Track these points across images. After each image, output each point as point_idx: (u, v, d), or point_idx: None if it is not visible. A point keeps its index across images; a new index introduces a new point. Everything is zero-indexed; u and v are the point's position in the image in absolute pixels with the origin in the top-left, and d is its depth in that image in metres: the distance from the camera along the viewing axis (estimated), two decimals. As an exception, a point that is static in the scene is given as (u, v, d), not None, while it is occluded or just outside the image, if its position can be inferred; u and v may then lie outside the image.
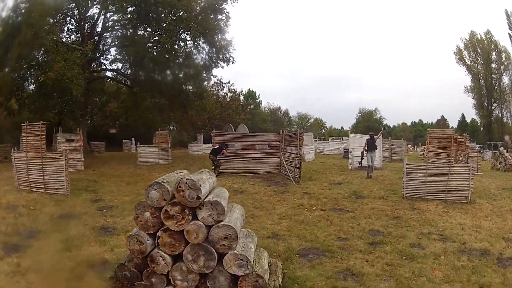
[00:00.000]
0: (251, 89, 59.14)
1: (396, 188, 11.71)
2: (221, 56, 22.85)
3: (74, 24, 21.27)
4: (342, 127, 70.65)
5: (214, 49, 22.37)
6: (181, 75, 22.88)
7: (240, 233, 4.19)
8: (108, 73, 25.45)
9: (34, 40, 16.02)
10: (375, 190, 11.74)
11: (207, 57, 23.07)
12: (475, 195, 10.51)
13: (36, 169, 11.04)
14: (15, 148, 12.28)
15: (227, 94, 43.63)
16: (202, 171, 4.57)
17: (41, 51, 16.81)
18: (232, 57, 23.25)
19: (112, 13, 20.84)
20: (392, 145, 25.75)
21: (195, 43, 22.04)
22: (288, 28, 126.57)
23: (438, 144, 14.12)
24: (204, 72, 22.92)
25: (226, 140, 16.17)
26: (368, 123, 57.96)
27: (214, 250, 3.87)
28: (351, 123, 66.95)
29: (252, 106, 58.10)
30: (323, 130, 68.99)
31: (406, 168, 10.57)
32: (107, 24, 21.67)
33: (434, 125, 61.97)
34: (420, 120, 71.77)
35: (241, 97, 53.08)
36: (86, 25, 21.29)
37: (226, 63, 23.23)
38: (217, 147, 15.49)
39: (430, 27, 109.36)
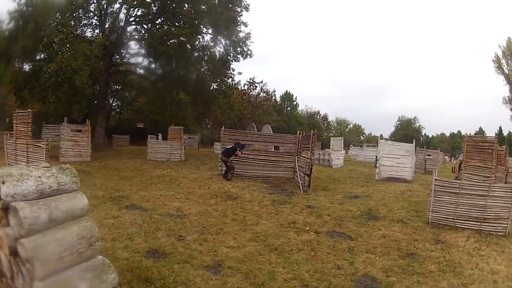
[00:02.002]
0: (288, 91, 57.16)
1: (422, 209, 9.47)
2: (238, 49, 21.76)
3: (96, 19, 21.30)
4: (381, 135, 67.00)
5: (230, 42, 21.35)
6: (202, 69, 21.95)
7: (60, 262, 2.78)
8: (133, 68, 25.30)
9: (38, 32, 16.08)
10: (395, 210, 9.58)
11: (224, 51, 22.13)
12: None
13: (22, 156, 10.58)
14: (8, 134, 12.01)
15: (259, 94, 42.25)
16: (49, 168, 3.10)
17: (47, 44, 16.79)
18: (250, 50, 22.17)
19: (132, 8, 20.59)
20: (428, 155, 23.01)
21: (213, 37, 21.22)
22: (333, 36, 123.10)
23: (477, 155, 11.16)
24: (223, 66, 21.69)
25: (236, 139, 14.59)
26: (407, 132, 55.92)
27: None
28: (390, 131, 65.48)
29: (288, 108, 56.31)
30: (361, 136, 65.69)
31: (435, 185, 8.29)
32: (130, 19, 21.44)
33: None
34: (459, 131, 66.35)
35: (277, 98, 51.74)
36: (108, 19, 21.18)
37: (243, 57, 22.11)
38: (230, 147, 13.90)
39: (475, 35, 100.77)
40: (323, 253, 6.16)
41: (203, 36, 21.01)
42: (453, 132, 67.76)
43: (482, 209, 7.73)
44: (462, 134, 62.56)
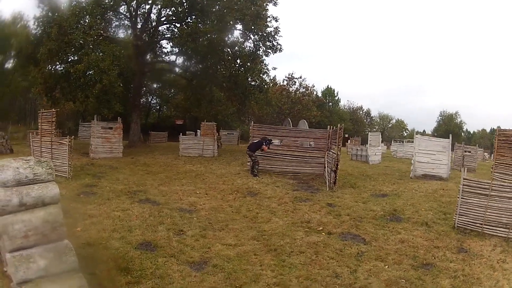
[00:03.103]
0: (329, 86, 55.42)
1: (452, 211, 8.53)
2: (268, 44, 21.30)
3: (127, 21, 22.01)
4: (424, 130, 63.78)
5: (259, 37, 20.99)
6: (233, 65, 21.92)
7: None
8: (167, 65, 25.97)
9: (62, 36, 16.88)
10: (422, 211, 8.80)
11: (253, 46, 21.76)
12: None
13: (47, 152, 11.16)
14: (34, 132, 12.78)
15: (299, 90, 41.39)
16: (27, 160, 3.61)
17: (73, 47, 17.63)
18: (279, 44, 21.58)
19: (162, 8, 21.00)
20: (466, 151, 20.95)
21: (242, 32, 21.02)
22: (376, 34, 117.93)
23: (509, 152, 9.50)
24: (253, 61, 21.44)
25: (265, 134, 14.24)
26: (448, 127, 52.68)
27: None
28: (433, 126, 62.33)
29: (330, 104, 54.74)
30: (404, 132, 62.30)
31: (464, 185, 7.38)
32: (161, 19, 21.91)
33: None
34: (498, 127, 59.97)
35: (318, 93, 50.54)
36: (140, 20, 21.83)
37: (273, 51, 21.56)
38: (256, 141, 13.61)
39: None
40: (325, 258, 5.67)
41: (232, 32, 21.03)
42: (493, 128, 62.62)
43: None
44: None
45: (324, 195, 10.32)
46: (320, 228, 7.15)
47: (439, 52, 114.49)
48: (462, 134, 57.46)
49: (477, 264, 5.80)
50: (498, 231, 6.98)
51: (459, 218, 7.46)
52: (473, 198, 7.32)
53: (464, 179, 7.41)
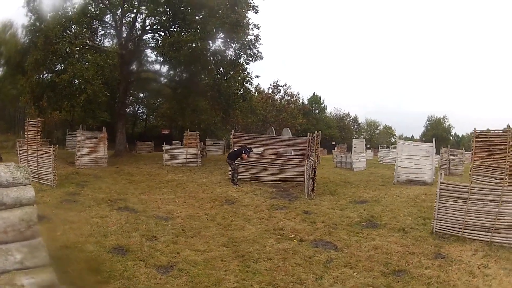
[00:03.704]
0: (315, 93, 56.33)
1: (431, 216, 8.44)
2: (249, 52, 21.88)
3: (113, 30, 22.33)
4: (412, 136, 64.75)
5: (240, 45, 21.49)
6: (215, 74, 22.26)
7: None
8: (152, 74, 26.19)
9: (48, 46, 17.13)
10: (400, 216, 8.77)
11: (234, 54, 22.25)
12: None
13: (33, 161, 11.30)
14: (21, 142, 12.90)
15: (284, 97, 42.00)
16: (8, 165, 3.85)
17: (60, 56, 17.86)
18: (260, 52, 22.30)
19: (146, 17, 21.43)
20: (452, 155, 21.24)
21: (223, 41, 21.53)
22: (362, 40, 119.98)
23: (488, 153, 9.37)
24: (234, 69, 21.87)
25: (246, 143, 14.48)
26: (436, 132, 53.58)
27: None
28: (421, 131, 62.99)
29: (316, 111, 55.53)
30: (392, 138, 63.41)
31: (441, 189, 7.27)
32: (146, 28, 22.27)
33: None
34: (487, 129, 61.73)
35: (305, 101, 51.35)
36: (125, 29, 22.06)
37: (254, 59, 22.21)
38: (235, 149, 13.80)
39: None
40: (292, 264, 5.74)
41: (214, 40, 21.42)
42: (496, 131, 64.06)
43: (494, 217, 6.60)
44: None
45: (301, 203, 10.43)
46: (293, 235, 7.24)
47: (427, 56, 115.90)
48: (451, 138, 58.40)
49: (454, 270, 5.61)
50: (479, 235, 6.79)
51: (437, 223, 7.32)
52: (451, 202, 7.18)
53: (441, 183, 7.34)
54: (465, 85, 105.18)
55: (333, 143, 47.60)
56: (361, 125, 64.32)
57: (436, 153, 26.68)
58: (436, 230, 7.29)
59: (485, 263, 5.85)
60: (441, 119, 60.44)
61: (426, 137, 49.59)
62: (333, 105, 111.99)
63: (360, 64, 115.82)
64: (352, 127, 61.68)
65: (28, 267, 3.62)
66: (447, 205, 7.20)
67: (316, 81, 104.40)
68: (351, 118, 62.70)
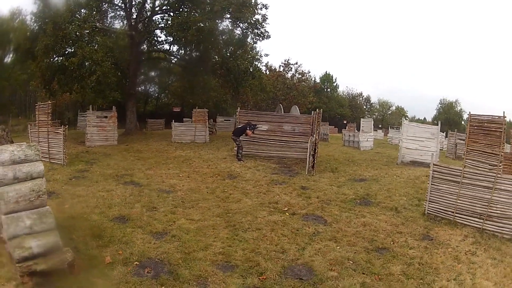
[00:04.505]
0: (327, 72, 55.41)
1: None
2: (256, 31, 21.66)
3: (123, 11, 22.35)
4: (425, 118, 63.50)
5: (247, 25, 21.29)
6: (223, 52, 22.32)
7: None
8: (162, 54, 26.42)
9: (57, 31, 17.39)
10: (396, 196, 8.88)
11: (241, 33, 22.07)
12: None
13: (44, 142, 11.82)
14: (32, 124, 13.48)
15: (294, 75, 41.63)
16: (20, 144, 4.65)
17: (70, 39, 18.10)
18: (267, 31, 21.94)
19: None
20: (460, 139, 20.75)
21: (231, 21, 21.32)
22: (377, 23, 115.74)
23: (483, 138, 9.06)
24: (241, 48, 21.90)
25: (251, 120, 14.74)
26: (448, 116, 52.49)
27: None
28: (433, 114, 61.39)
29: (328, 90, 54.82)
30: (404, 119, 62.25)
31: (434, 171, 7.29)
32: (156, 8, 22.25)
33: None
34: (469, 113, 60.40)
35: (317, 79, 50.76)
36: (135, 10, 22.09)
37: (261, 39, 21.99)
38: (240, 126, 13.96)
39: None
40: (278, 235, 6.09)
41: (221, 20, 21.24)
42: (494, 116, 62.46)
43: (487, 204, 6.51)
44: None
45: (301, 179, 10.68)
46: (286, 209, 7.57)
47: (443, 42, 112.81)
48: (462, 122, 57.16)
49: (440, 254, 5.58)
50: (471, 221, 6.73)
51: (430, 205, 7.32)
52: (443, 185, 7.15)
53: (434, 165, 7.33)
54: (479, 73, 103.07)
55: (345, 122, 47.25)
56: (373, 105, 63.26)
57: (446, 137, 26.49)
58: (428, 212, 7.34)
59: (473, 250, 5.80)
60: (453, 103, 59.22)
61: (437, 121, 48.93)
62: (346, 84, 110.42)
63: (375, 44, 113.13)
64: (364, 107, 60.74)
65: (36, 232, 4.26)
66: (440, 187, 7.22)
67: (330, 60, 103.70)
68: (363, 97, 61.72)
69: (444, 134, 28.50)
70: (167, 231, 5.96)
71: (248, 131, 13.52)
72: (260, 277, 4.64)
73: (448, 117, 51.89)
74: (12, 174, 4.34)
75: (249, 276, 4.65)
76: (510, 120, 55.93)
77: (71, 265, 4.21)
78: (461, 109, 58.20)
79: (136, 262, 4.80)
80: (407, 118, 58.36)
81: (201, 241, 5.59)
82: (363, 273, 4.89)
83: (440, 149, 21.12)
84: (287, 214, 7.32)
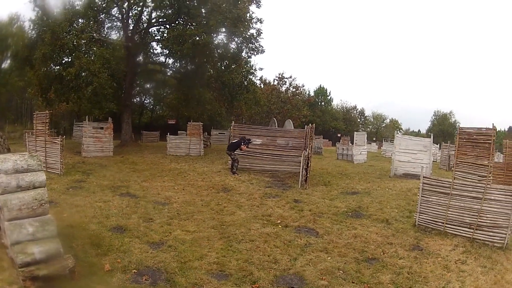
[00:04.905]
0: (322, 86, 56.38)
1: None
2: (251, 45, 22.36)
3: (119, 22, 22.75)
4: (419, 130, 64.99)
5: (242, 39, 21.92)
6: (218, 66, 22.76)
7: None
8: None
9: (55, 41, 17.82)
10: (387, 208, 9.13)
11: (236, 48, 22.71)
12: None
13: (41, 151, 11.95)
14: (29, 133, 13.60)
15: (289, 89, 42.32)
16: (23, 154, 4.86)
17: (67, 49, 18.46)
18: (261, 46, 22.71)
19: (151, 10, 21.99)
20: (453, 150, 21.29)
21: (226, 35, 21.93)
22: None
23: (471, 150, 9.82)
24: (236, 63, 22.46)
25: (245, 134, 15.00)
26: (442, 127, 53.49)
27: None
28: (427, 126, 62.80)
29: (322, 103, 55.62)
30: (398, 132, 63.15)
31: (424, 183, 7.56)
32: (152, 20, 22.76)
33: (505, 133, 54.18)
34: (459, 126, 61.78)
35: (311, 93, 51.62)
36: (132, 22, 22.54)
37: (256, 53, 22.71)
38: (235, 141, 14.13)
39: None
40: (271, 246, 6.27)
41: (217, 34, 21.76)
42: (480, 128, 63.68)
43: (476, 214, 6.72)
44: (498, 130, 58.71)
45: (294, 192, 10.92)
46: (278, 221, 7.75)
47: (437, 54, 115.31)
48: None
49: (429, 263, 5.70)
50: (461, 231, 6.88)
51: (420, 216, 7.51)
52: (433, 197, 7.35)
53: (424, 177, 7.57)
54: (472, 86, 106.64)
55: (339, 135, 47.77)
56: (367, 118, 64.17)
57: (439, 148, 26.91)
58: (419, 223, 7.52)
59: (463, 259, 5.92)
60: (447, 115, 60.22)
61: (432, 132, 49.80)
62: (340, 97, 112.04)
63: (369, 58, 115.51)
64: (359, 120, 61.60)
65: (39, 238, 4.43)
66: (430, 199, 7.44)
67: (324, 73, 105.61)
68: (357, 110, 62.67)
69: (438, 146, 28.95)
70: (163, 241, 6.14)
71: (242, 146, 13.73)
72: (253, 285, 4.84)
73: (442, 129, 52.86)
74: (15, 182, 4.52)
75: (243, 284, 4.85)
76: (505, 130, 57.42)
77: (72, 271, 4.36)
78: (455, 120, 59.43)
79: (134, 270, 4.98)
80: (401, 130, 59.36)
81: (197, 251, 5.78)
82: (352, 282, 5.07)
83: (433, 161, 21.60)
84: (279, 226, 7.50)
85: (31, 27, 20.65)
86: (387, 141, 35.62)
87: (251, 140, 14.30)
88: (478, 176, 9.06)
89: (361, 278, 5.18)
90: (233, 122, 16.43)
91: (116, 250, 5.54)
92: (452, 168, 10.92)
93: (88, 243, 5.61)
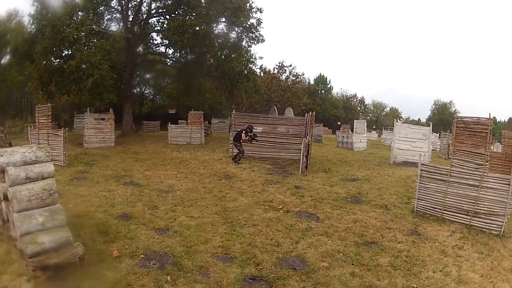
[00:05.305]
0: (322, 74, 56.03)
1: None
2: (251, 35, 22.25)
3: (119, 14, 22.63)
4: (419, 119, 64.56)
5: (242, 28, 21.77)
6: (218, 55, 22.72)
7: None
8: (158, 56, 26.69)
9: (56, 35, 17.76)
10: (386, 195, 9.27)
11: (236, 37, 22.63)
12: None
13: (44, 144, 12.04)
14: (31, 126, 13.71)
15: (289, 78, 42.17)
16: (31, 146, 5.03)
17: (67, 42, 18.36)
18: (261, 35, 22.59)
19: (150, 1, 22.00)
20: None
21: (226, 25, 21.80)
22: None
23: (468, 139, 9.36)
24: (236, 52, 22.39)
25: (246, 122, 15.01)
26: (442, 116, 53.03)
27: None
28: (427, 115, 62.37)
29: (322, 92, 55.41)
30: (398, 120, 63.06)
31: (422, 170, 7.68)
32: (152, 11, 22.59)
33: (506, 123, 54.08)
34: (494, 117, 61.23)
35: (311, 81, 51.44)
36: (131, 13, 22.35)
37: (256, 42, 22.62)
38: (239, 131, 13.92)
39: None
40: (273, 230, 6.46)
41: (217, 24, 21.67)
42: (478, 118, 63.58)
43: (473, 201, 6.84)
44: (498, 120, 58.54)
45: (294, 179, 11.05)
46: (280, 207, 7.93)
47: (438, 42, 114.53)
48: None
49: (427, 247, 5.82)
50: (459, 218, 7.00)
51: (418, 203, 7.65)
52: (431, 183, 7.47)
53: (422, 164, 7.70)
54: (473, 75, 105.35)
55: (339, 123, 47.79)
56: (367, 106, 63.90)
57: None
58: (417, 209, 7.67)
59: (460, 244, 6.05)
60: (447, 104, 59.89)
61: (432, 121, 49.79)
62: (340, 86, 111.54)
63: (370, 46, 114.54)
64: (359, 108, 61.43)
65: (48, 228, 4.59)
66: (428, 185, 7.58)
67: (324, 62, 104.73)
68: (357, 99, 62.39)
69: (438, 135, 29.02)
70: (169, 227, 6.32)
71: (243, 134, 13.57)
72: (257, 267, 5.02)
73: (442, 118, 52.56)
74: (24, 174, 4.64)
75: (247, 266, 5.04)
76: (505, 121, 57.22)
77: (81, 259, 4.50)
78: (455, 110, 58.92)
79: (142, 255, 5.15)
80: (401, 119, 59.19)
81: (201, 236, 5.97)
82: (352, 264, 5.25)
83: (433, 150, 21.72)
84: (281, 211, 7.67)
85: (31, 22, 20.55)
86: (387, 130, 35.71)
87: (256, 135, 14.02)
88: (475, 164, 9.29)
89: (360, 261, 5.34)
90: (234, 110, 16.48)
91: (123, 237, 5.71)
92: (449, 156, 11.11)
93: (95, 231, 5.78)
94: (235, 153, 13.84)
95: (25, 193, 4.56)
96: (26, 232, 4.44)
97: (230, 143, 15.10)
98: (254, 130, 14.28)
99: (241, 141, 13.58)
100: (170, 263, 4.97)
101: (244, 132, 13.62)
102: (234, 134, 14.31)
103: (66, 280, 4.20)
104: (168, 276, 4.60)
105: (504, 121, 58.58)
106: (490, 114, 9.00)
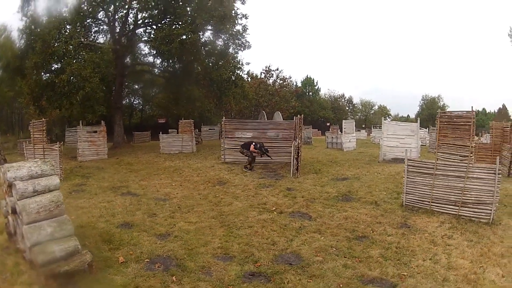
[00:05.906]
0: (308, 76, 56.96)
1: None
2: (237, 42, 22.76)
3: (106, 26, 22.85)
4: (408, 115, 66.05)
5: (229, 36, 22.27)
6: (205, 63, 23.09)
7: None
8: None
9: (46, 49, 17.96)
10: (376, 191, 9.64)
11: (223, 44, 23.09)
12: (504, 211, 7.51)
13: (40, 158, 12.17)
14: (27, 141, 13.82)
15: (276, 82, 42.77)
16: (36, 160, 5.35)
17: (56, 56, 18.57)
18: (248, 42, 23.16)
19: (137, 11, 22.03)
20: None
21: (213, 33, 22.28)
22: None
23: (452, 132, 9.88)
24: (223, 59, 22.82)
25: (236, 128, 15.52)
26: (431, 111, 53.34)
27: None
28: (416, 110, 63.79)
29: (310, 94, 56.24)
30: (387, 118, 64.17)
31: (408, 165, 7.94)
32: (138, 22, 22.81)
33: (495, 114, 54.97)
34: (483, 109, 63.54)
35: (298, 84, 52.20)
36: (118, 24, 22.54)
37: (242, 49, 23.18)
38: (248, 142, 14.24)
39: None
40: (268, 230, 6.83)
41: (203, 33, 22.10)
42: (478, 110, 64.49)
43: (460, 192, 7.10)
44: (487, 112, 59.77)
45: (286, 181, 11.43)
46: (273, 209, 8.28)
47: (423, 38, 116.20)
48: (446, 117, 58.86)
49: (416, 238, 6.08)
50: (447, 209, 7.23)
51: (406, 197, 7.91)
52: (418, 178, 7.73)
53: (408, 160, 7.96)
54: (460, 68, 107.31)
55: (328, 124, 48.51)
56: (356, 105, 64.94)
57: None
58: (406, 203, 7.96)
59: (449, 234, 6.29)
60: (436, 99, 60.84)
61: (421, 117, 50.32)
62: (328, 87, 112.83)
63: (354, 45, 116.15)
64: (347, 108, 62.41)
65: (57, 238, 4.86)
66: (415, 180, 7.87)
67: (310, 64, 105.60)
68: (345, 99, 63.44)
69: (427, 130, 29.65)
70: (169, 232, 6.64)
71: (252, 146, 13.71)
72: (255, 264, 5.37)
73: (431, 113, 53.00)
74: (32, 187, 4.93)
75: (246, 264, 5.39)
76: (494, 112, 58.33)
77: (90, 266, 4.77)
78: (443, 104, 60.14)
79: (146, 260, 5.45)
80: (390, 116, 60.22)
81: (201, 239, 6.31)
82: (345, 257, 5.60)
83: (423, 145, 22.19)
84: (275, 213, 8.02)
85: (20, 37, 20.63)
86: (376, 128, 36.37)
87: (267, 149, 14.15)
88: (460, 156, 9.79)
89: (352, 254, 5.68)
90: (224, 117, 16.82)
91: (127, 244, 6.00)
92: (435, 150, 11.56)
93: (99, 240, 6.04)
94: (248, 161, 13.78)
95: (34, 205, 4.81)
96: (36, 243, 4.67)
97: (221, 150, 15.42)
98: (244, 136, 14.63)
99: (250, 150, 13.72)
100: (174, 265, 5.27)
101: (253, 144, 13.82)
102: (243, 143, 14.38)
103: (78, 286, 4.46)
104: (173, 277, 4.91)
105: (494, 111, 59.80)
106: (472, 107, 9.38)
